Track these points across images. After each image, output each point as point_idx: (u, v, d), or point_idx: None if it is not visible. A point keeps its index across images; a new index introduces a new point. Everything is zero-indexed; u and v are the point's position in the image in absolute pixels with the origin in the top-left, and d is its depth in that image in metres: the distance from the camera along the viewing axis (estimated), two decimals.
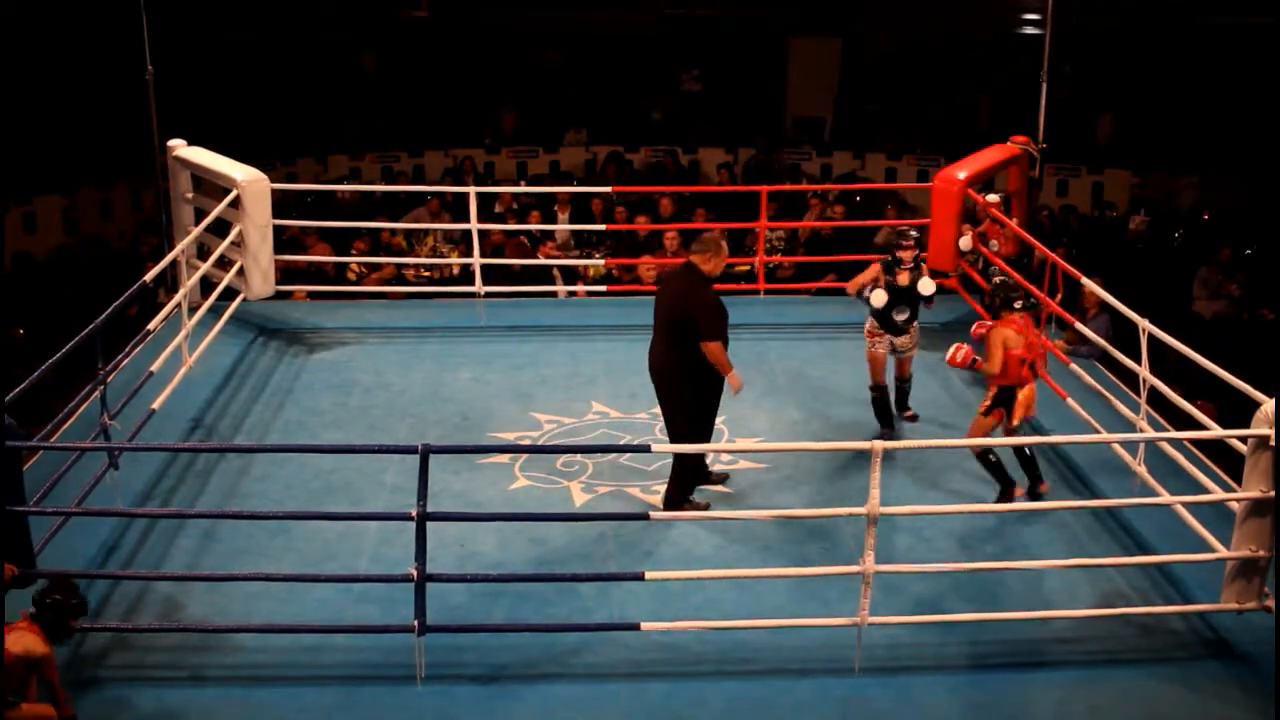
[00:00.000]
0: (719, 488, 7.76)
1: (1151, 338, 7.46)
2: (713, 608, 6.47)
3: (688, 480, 7.52)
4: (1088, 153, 16.90)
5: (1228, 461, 6.91)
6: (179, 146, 10.27)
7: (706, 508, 7.49)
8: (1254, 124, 15.11)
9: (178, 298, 8.94)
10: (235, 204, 9.94)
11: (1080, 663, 6.18)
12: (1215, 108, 16.09)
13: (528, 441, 8.48)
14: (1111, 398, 8.11)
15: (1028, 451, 7.47)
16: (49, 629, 5.47)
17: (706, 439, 7.48)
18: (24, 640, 5.36)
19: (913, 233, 8.52)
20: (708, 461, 7.84)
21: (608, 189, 13.74)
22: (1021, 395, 7.46)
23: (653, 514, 7.22)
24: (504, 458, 8.18)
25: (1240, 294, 12.35)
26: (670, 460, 7.66)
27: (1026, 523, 7.31)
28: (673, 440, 7.45)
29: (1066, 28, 10.77)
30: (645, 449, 7.78)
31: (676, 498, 7.47)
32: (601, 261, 12.20)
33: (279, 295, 10.67)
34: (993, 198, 9.99)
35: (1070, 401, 8.31)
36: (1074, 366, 8.60)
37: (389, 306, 11.24)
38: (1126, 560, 6.90)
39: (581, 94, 18.86)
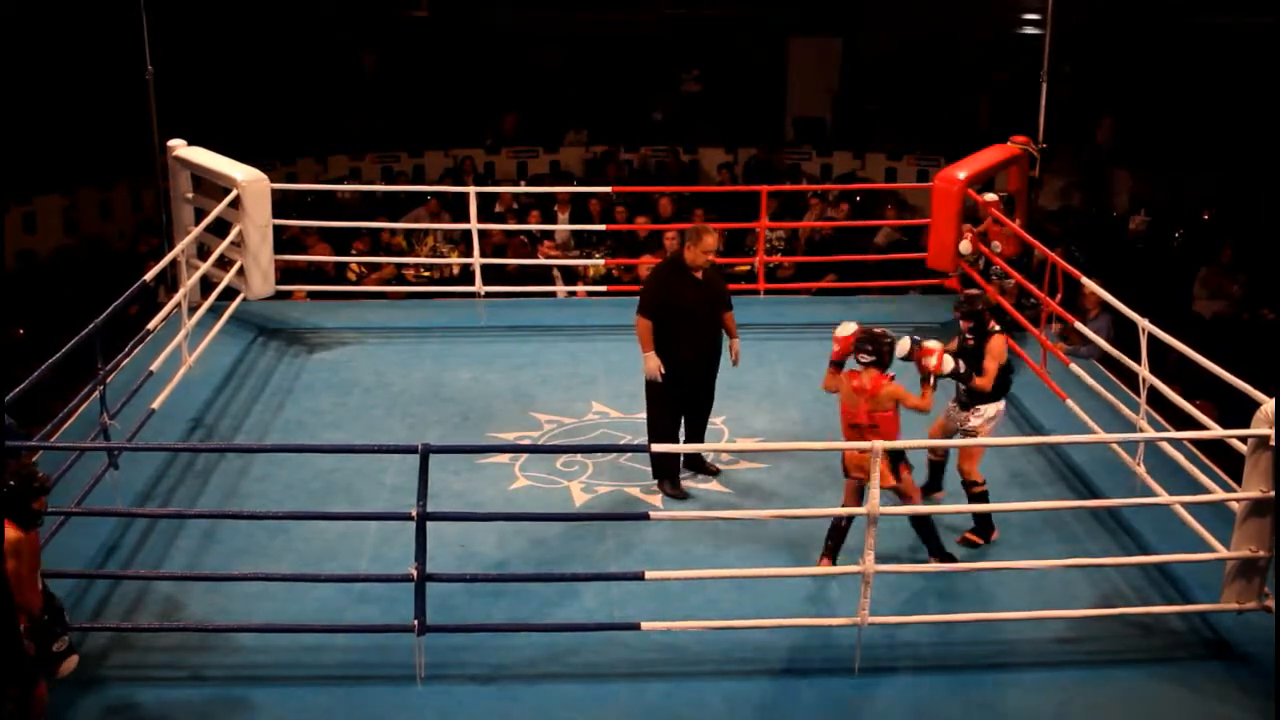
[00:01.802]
0: (713, 485, 7.77)
1: (1151, 337, 7.46)
2: (713, 608, 6.47)
3: (656, 464, 7.81)
4: (1088, 153, 16.89)
5: (1228, 461, 6.91)
6: (179, 146, 10.28)
7: (685, 496, 7.72)
8: (1254, 124, 15.11)
9: (178, 297, 8.94)
10: (235, 204, 9.94)
11: (1080, 663, 6.18)
12: (1215, 108, 16.08)
13: (528, 441, 8.48)
14: (1111, 398, 8.10)
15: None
16: (16, 516, 5.23)
17: (666, 421, 7.67)
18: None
19: (970, 294, 7.53)
20: (706, 456, 7.93)
21: (608, 189, 13.75)
22: (847, 456, 6.75)
23: (652, 514, 7.22)
24: (504, 458, 8.17)
25: (1241, 294, 12.34)
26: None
27: (1026, 523, 7.31)
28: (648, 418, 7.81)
29: (1066, 28, 10.76)
30: (645, 449, 7.77)
31: (655, 478, 7.81)
32: (601, 261, 12.20)
33: (279, 295, 10.67)
34: (990, 196, 9.96)
35: (1070, 402, 8.31)
36: (1074, 367, 8.60)
37: (389, 306, 11.24)
38: (1126, 560, 6.90)
39: (581, 94, 18.87)
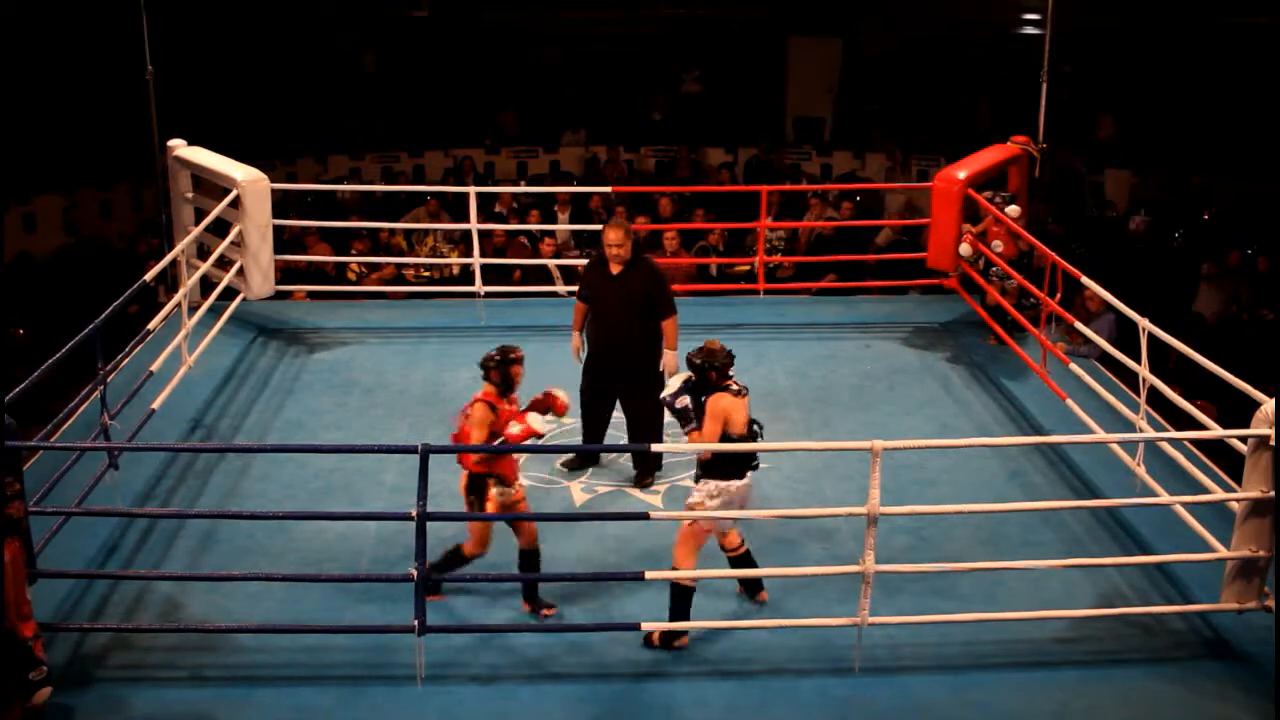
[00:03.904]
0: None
1: (1152, 337, 7.46)
2: (713, 608, 6.47)
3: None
4: (1088, 153, 16.89)
5: (1228, 461, 6.91)
6: (179, 146, 10.28)
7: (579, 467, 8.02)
8: (1255, 124, 15.11)
9: (178, 297, 8.94)
10: (235, 204, 9.94)
11: (1080, 663, 6.18)
12: (1216, 108, 16.08)
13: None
14: (1111, 398, 8.11)
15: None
16: None
17: (582, 399, 7.95)
18: None
19: (706, 346, 6.30)
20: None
21: (608, 189, 13.74)
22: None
23: (652, 514, 7.21)
24: None
25: (1247, 296, 12.32)
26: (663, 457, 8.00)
27: (1026, 523, 7.31)
28: None
29: (1066, 28, 10.74)
30: (645, 449, 7.76)
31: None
32: None
33: (279, 295, 10.67)
34: (1013, 210, 9.84)
35: (1070, 402, 8.31)
36: (1074, 366, 8.61)
37: (389, 306, 11.24)
38: (1126, 560, 6.90)
39: (581, 94, 18.86)
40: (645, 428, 7.76)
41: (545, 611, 6.51)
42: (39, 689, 5.59)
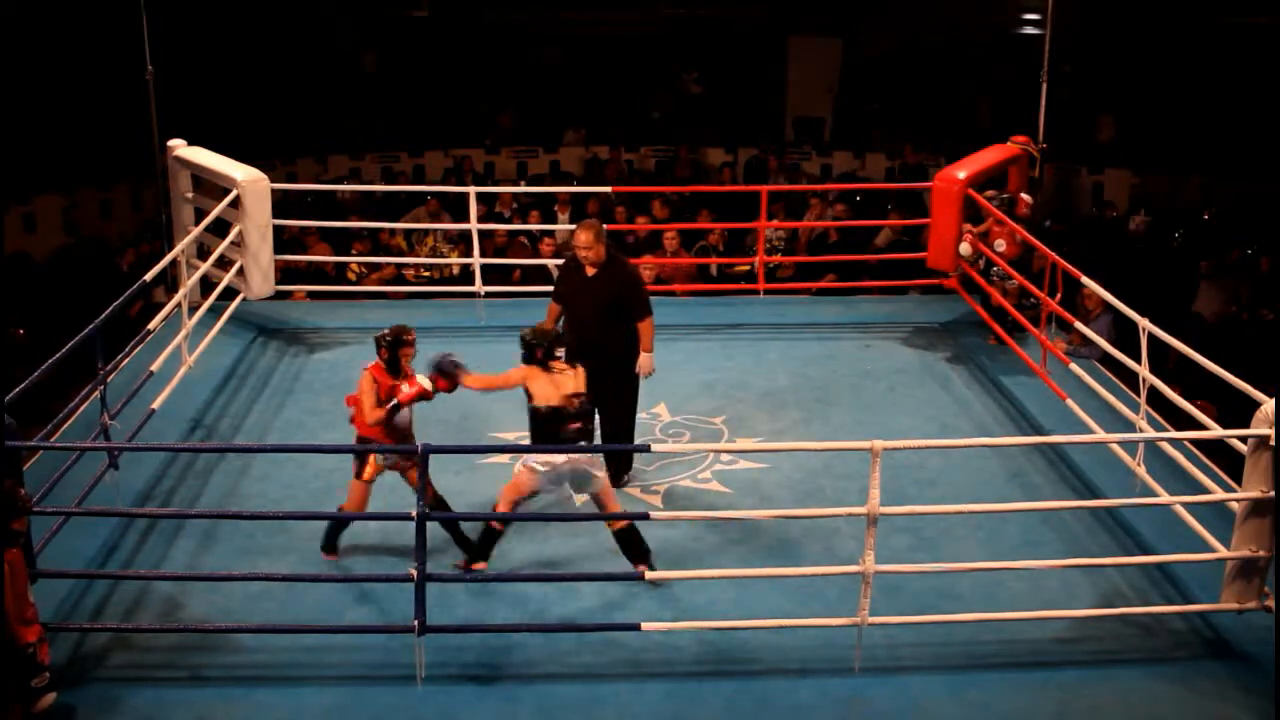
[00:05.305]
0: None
1: (1152, 337, 7.46)
2: (713, 608, 6.48)
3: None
4: (1088, 153, 16.90)
5: (1228, 461, 6.91)
6: (179, 146, 10.28)
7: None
8: (1255, 124, 15.11)
9: (178, 298, 8.94)
10: (235, 204, 9.95)
11: (1080, 663, 6.18)
12: (1216, 108, 16.08)
13: (528, 442, 8.45)
14: (1111, 398, 8.11)
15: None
16: None
17: None
18: None
19: (537, 328, 7.05)
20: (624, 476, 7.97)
21: (608, 189, 13.74)
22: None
23: (653, 514, 7.21)
24: (504, 458, 8.17)
25: (1247, 296, 12.32)
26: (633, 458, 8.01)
27: (1026, 523, 7.31)
28: None
29: (1066, 28, 10.74)
30: (645, 449, 7.77)
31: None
32: None
33: (279, 295, 10.67)
34: (1027, 197, 9.87)
35: (1070, 402, 8.31)
36: (1074, 366, 8.61)
37: (389, 306, 11.23)
38: (1126, 560, 6.90)
39: (581, 94, 18.87)
40: (615, 428, 7.73)
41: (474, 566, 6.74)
42: (42, 695, 5.59)
